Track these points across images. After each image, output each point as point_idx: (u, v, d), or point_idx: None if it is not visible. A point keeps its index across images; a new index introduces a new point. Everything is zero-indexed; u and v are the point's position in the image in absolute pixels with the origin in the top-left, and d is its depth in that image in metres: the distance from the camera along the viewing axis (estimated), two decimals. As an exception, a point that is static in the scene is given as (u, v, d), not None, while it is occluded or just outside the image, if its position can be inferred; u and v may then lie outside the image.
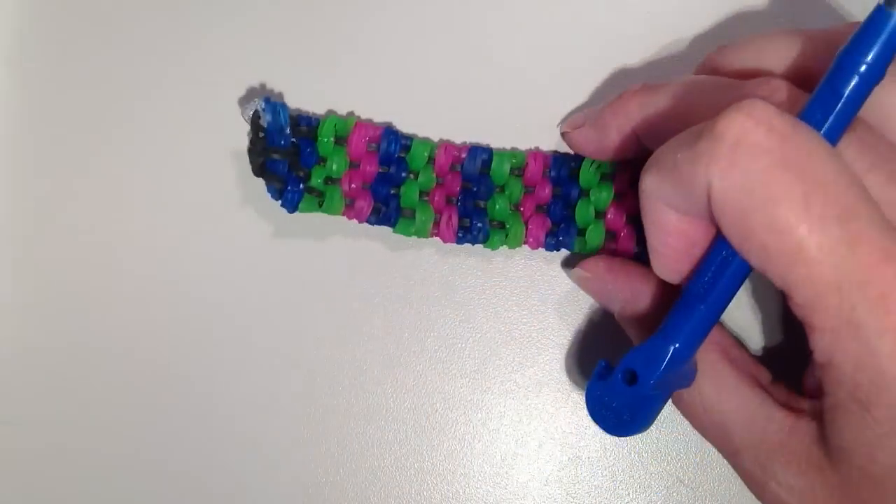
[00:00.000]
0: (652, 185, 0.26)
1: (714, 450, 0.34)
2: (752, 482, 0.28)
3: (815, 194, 0.23)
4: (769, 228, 0.23)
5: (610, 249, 0.33)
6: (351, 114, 0.35)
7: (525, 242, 0.33)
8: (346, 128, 0.33)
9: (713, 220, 0.25)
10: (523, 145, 0.35)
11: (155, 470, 0.34)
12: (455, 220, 0.33)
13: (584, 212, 0.33)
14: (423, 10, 0.36)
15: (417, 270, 0.35)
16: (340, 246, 0.35)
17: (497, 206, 0.33)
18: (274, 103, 0.33)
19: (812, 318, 0.24)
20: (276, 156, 0.32)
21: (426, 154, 0.33)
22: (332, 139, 0.33)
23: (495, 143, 0.35)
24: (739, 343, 0.32)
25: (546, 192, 0.34)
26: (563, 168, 0.34)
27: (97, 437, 0.34)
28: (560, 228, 0.33)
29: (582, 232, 0.33)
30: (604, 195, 0.33)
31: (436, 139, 0.34)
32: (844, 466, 0.25)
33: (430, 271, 0.35)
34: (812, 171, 0.23)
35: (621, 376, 0.27)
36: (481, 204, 0.34)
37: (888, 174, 0.25)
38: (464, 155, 0.34)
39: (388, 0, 0.36)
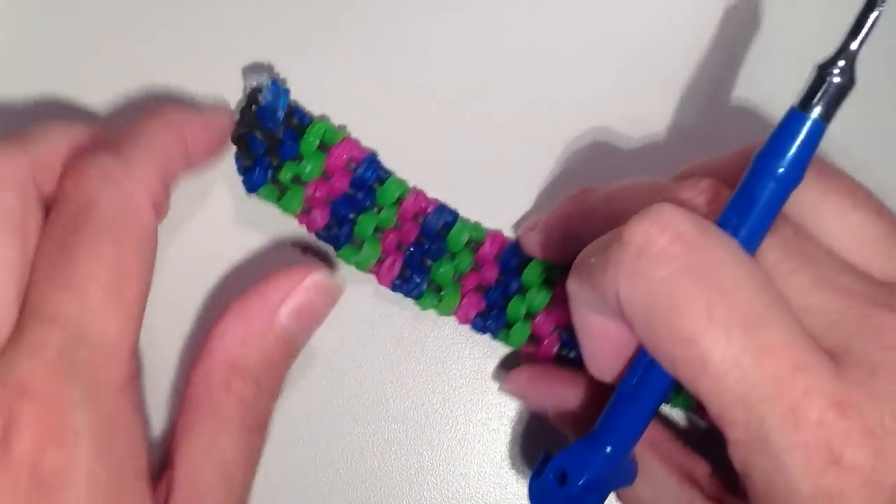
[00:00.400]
0: (574, 289, 0.26)
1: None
2: None
3: (719, 302, 0.22)
4: (673, 339, 0.23)
5: (530, 352, 0.33)
6: (343, 127, 0.35)
7: (455, 314, 0.34)
8: (333, 138, 0.33)
9: None
10: (494, 219, 0.35)
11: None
12: (398, 267, 0.33)
13: (515, 308, 0.33)
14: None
15: (417, 270, 0.35)
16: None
17: (441, 270, 0.33)
18: (278, 85, 0.33)
19: (724, 430, 0.23)
20: (258, 134, 0.32)
21: (397, 194, 0.33)
22: (316, 142, 0.33)
23: (468, 208, 0.35)
24: (673, 436, 0.30)
25: (491, 274, 0.34)
26: (515, 259, 0.34)
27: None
28: (491, 314, 0.33)
29: (509, 325, 0.33)
30: (539, 298, 0.33)
31: (413, 181, 0.34)
32: None
33: (430, 271, 0.35)
34: (717, 278, 0.22)
35: (552, 476, 0.26)
36: (427, 262, 0.34)
37: (812, 277, 0.24)
38: (430, 209, 0.34)
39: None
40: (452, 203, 0.35)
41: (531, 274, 0.33)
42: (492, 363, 0.35)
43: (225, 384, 0.29)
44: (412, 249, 0.34)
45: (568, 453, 0.26)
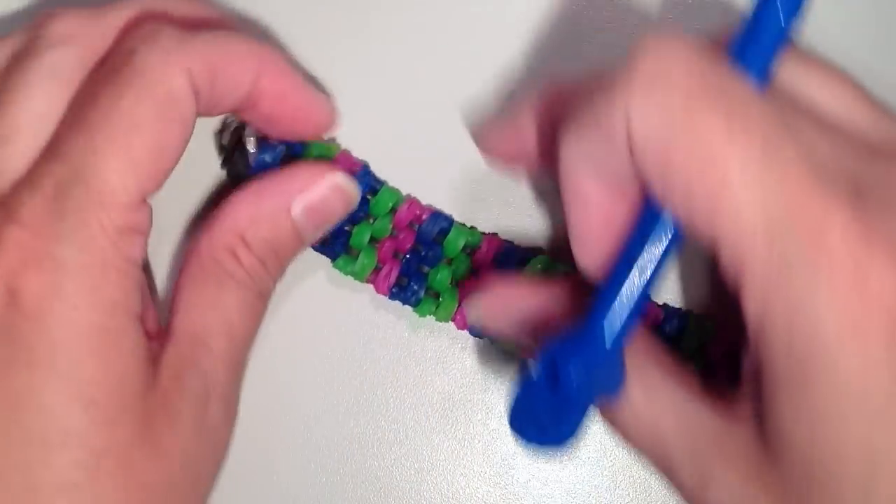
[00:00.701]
0: (570, 145, 0.25)
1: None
2: (692, 497, 0.25)
3: (738, 125, 0.21)
4: (691, 163, 0.22)
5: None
6: (333, 140, 0.34)
7: (452, 320, 0.33)
8: (328, 152, 0.33)
9: (635, 181, 0.24)
10: (489, 224, 0.35)
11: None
12: (394, 275, 0.33)
13: None
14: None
15: (417, 270, 0.35)
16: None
17: (438, 277, 0.33)
18: (275, 145, 0.32)
19: (742, 275, 0.22)
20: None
21: (391, 203, 0.33)
22: (313, 154, 0.33)
23: (462, 213, 0.35)
24: (667, 348, 0.29)
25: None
26: (512, 260, 0.33)
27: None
28: None
29: None
30: None
31: (407, 190, 0.34)
32: (785, 460, 0.23)
33: (431, 271, 0.35)
34: (733, 103, 0.22)
35: (543, 372, 0.24)
36: (424, 269, 0.33)
37: (817, 125, 0.24)
38: (425, 216, 0.34)
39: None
40: (447, 209, 0.35)
41: (529, 273, 0.33)
42: (492, 363, 0.35)
43: (232, 251, 0.29)
44: (408, 257, 0.33)
45: (559, 345, 0.24)
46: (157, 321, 0.29)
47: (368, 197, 0.33)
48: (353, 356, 0.35)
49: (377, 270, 0.33)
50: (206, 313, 0.28)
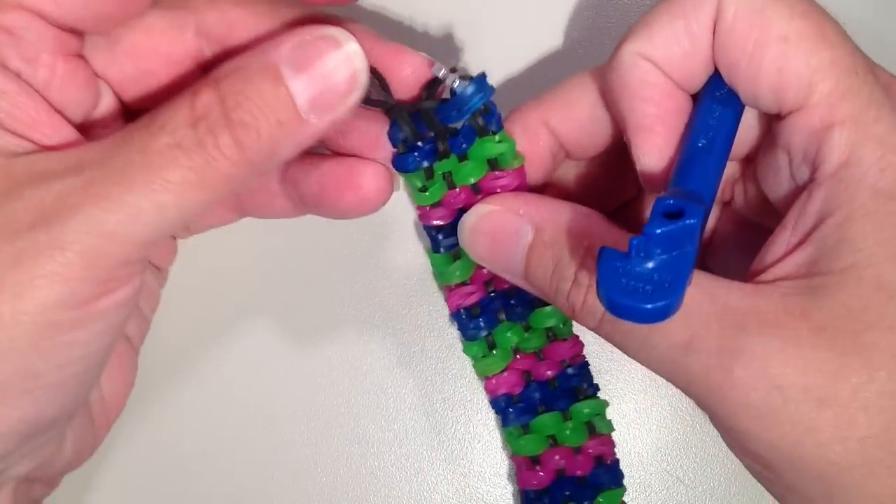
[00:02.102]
0: (639, 42, 0.26)
1: (714, 450, 0.34)
2: (715, 373, 0.24)
3: None
4: (791, 15, 0.24)
5: (519, 464, 0.33)
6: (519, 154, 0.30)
7: (486, 378, 0.32)
8: (509, 159, 0.30)
9: (701, 71, 0.26)
10: None
11: (152, 468, 0.34)
12: (472, 300, 0.31)
13: (542, 423, 0.32)
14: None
15: (417, 272, 0.35)
16: (341, 248, 0.35)
17: (507, 334, 0.31)
18: (486, 83, 0.29)
19: (834, 112, 0.24)
20: (430, 117, 0.29)
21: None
22: (492, 155, 0.30)
23: None
24: None
25: (547, 373, 0.32)
26: (577, 379, 0.32)
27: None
28: (518, 405, 0.32)
29: (525, 431, 0.32)
30: (571, 435, 0.32)
31: None
32: (846, 292, 0.23)
33: (430, 271, 0.35)
34: None
35: (660, 216, 0.23)
36: (501, 317, 0.32)
37: None
38: None
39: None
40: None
41: (581, 409, 0.32)
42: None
43: (193, 92, 0.25)
44: (494, 295, 0.32)
45: (671, 198, 0.24)
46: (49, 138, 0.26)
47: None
48: (353, 356, 0.35)
49: (460, 285, 0.31)
50: (113, 144, 0.24)
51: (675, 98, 0.27)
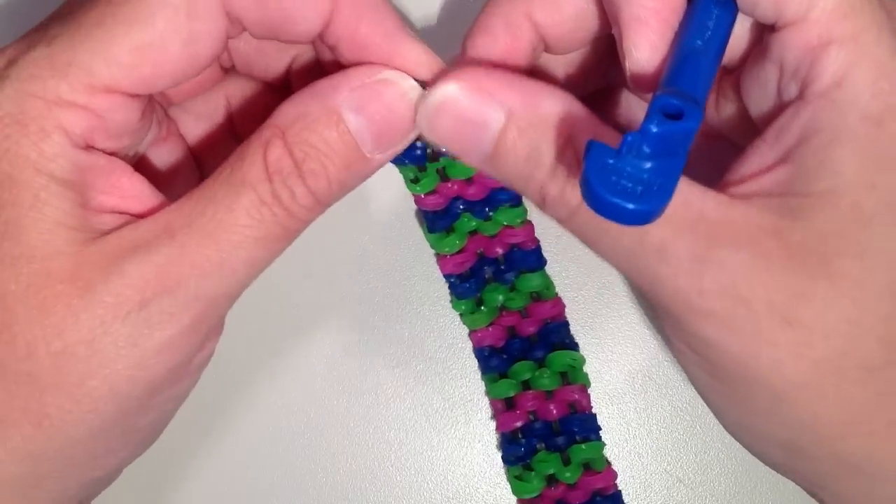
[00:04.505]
0: None
1: (714, 450, 0.34)
2: (684, 279, 0.24)
3: None
4: None
5: (498, 409, 0.34)
6: None
7: (472, 331, 0.34)
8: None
9: None
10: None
11: (152, 467, 0.34)
12: (465, 267, 0.33)
13: (521, 369, 0.33)
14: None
15: (417, 271, 0.35)
16: (342, 246, 0.35)
17: (493, 294, 0.33)
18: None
19: (833, 29, 0.23)
20: None
21: (518, 220, 0.33)
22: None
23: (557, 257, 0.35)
24: None
25: (528, 329, 0.34)
26: (557, 336, 0.34)
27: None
28: (500, 355, 0.34)
29: (503, 376, 0.34)
30: (544, 380, 0.33)
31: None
32: (822, 216, 0.23)
33: (430, 271, 0.35)
34: None
35: (660, 114, 0.22)
36: (488, 276, 0.34)
37: None
38: (529, 246, 0.33)
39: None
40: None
41: (557, 359, 0.33)
42: (492, 363, 0.35)
43: (263, 144, 0.25)
44: (486, 262, 0.34)
45: (666, 96, 0.23)
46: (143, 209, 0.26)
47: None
48: (353, 356, 0.35)
49: (456, 253, 0.33)
50: (196, 205, 0.25)
51: None
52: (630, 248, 0.24)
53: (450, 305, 0.34)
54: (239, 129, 0.31)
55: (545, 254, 0.34)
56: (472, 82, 0.25)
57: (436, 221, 0.33)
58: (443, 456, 0.35)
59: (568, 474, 0.33)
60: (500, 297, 0.33)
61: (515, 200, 0.33)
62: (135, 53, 0.24)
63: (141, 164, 0.29)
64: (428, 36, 0.36)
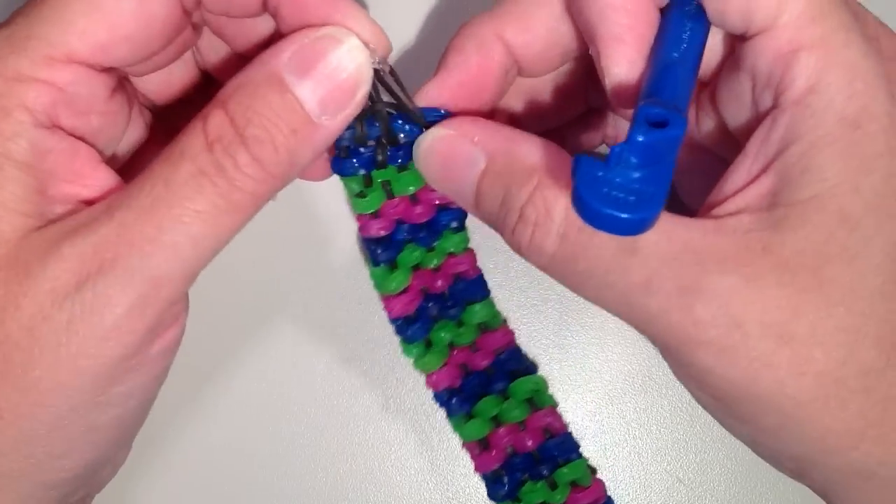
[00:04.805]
0: None
1: (714, 450, 0.34)
2: (675, 312, 0.23)
3: None
4: None
5: (471, 450, 0.33)
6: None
7: (427, 376, 0.33)
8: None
9: None
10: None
11: (150, 468, 0.34)
12: (412, 308, 0.32)
13: (487, 406, 0.32)
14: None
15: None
16: (342, 246, 0.35)
17: (441, 333, 0.32)
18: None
19: (802, 34, 0.23)
20: (381, 122, 0.28)
21: (461, 247, 0.32)
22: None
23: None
24: None
25: (482, 363, 0.33)
26: (513, 363, 0.33)
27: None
28: (459, 396, 0.33)
29: (469, 417, 0.33)
30: (514, 412, 0.32)
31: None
32: (809, 225, 0.23)
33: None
34: None
35: (645, 124, 0.22)
36: (434, 315, 0.32)
37: None
38: (471, 274, 0.33)
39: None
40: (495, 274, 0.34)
41: (520, 387, 0.33)
42: (492, 363, 0.35)
43: (203, 116, 0.24)
44: (430, 300, 0.32)
45: (650, 107, 0.23)
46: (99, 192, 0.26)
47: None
48: (353, 356, 0.35)
49: (400, 293, 0.32)
50: (137, 182, 0.24)
51: (647, 9, 0.25)
52: (618, 289, 0.24)
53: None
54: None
55: (522, 267, 0.34)
56: (458, 127, 0.26)
57: (379, 253, 0.32)
58: (443, 456, 0.35)
59: (558, 497, 0.32)
60: (448, 335, 0.32)
61: (460, 223, 0.32)
62: (88, 17, 0.24)
63: (133, 166, 0.29)
64: (412, 52, 0.36)
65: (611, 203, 0.21)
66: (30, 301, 0.23)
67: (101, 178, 0.25)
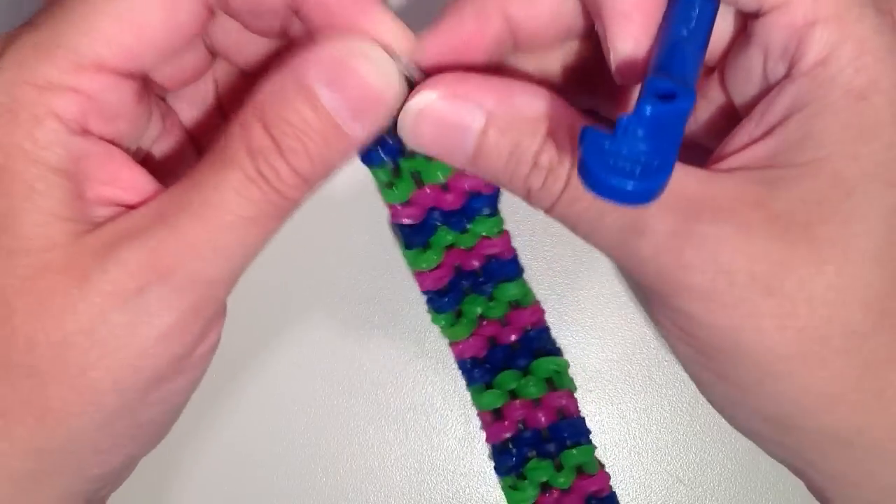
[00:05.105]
0: None
1: (714, 450, 0.34)
2: (665, 255, 0.24)
3: None
4: None
5: (487, 422, 0.34)
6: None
7: (453, 344, 0.33)
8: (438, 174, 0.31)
9: None
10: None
11: (149, 468, 0.35)
12: (443, 283, 0.33)
13: (505, 379, 0.33)
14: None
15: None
16: (342, 247, 0.35)
17: (471, 306, 0.33)
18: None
19: (817, 9, 0.24)
20: None
21: (496, 229, 0.33)
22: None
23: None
24: None
25: (510, 338, 0.33)
26: (539, 342, 0.34)
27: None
28: (483, 366, 0.33)
29: (487, 388, 0.33)
30: (531, 388, 0.33)
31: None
32: (804, 185, 0.23)
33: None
34: None
35: (654, 96, 0.22)
36: (465, 287, 0.33)
37: None
38: (506, 256, 0.33)
39: None
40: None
41: (541, 366, 0.33)
42: (492, 363, 0.35)
43: (242, 125, 0.25)
44: (464, 275, 0.33)
45: (657, 80, 0.23)
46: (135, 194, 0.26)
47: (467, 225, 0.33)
48: (354, 356, 0.35)
49: (434, 269, 0.33)
50: (188, 190, 0.25)
51: None
52: (612, 230, 0.25)
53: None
54: (228, 113, 0.31)
55: (535, 260, 0.34)
56: (448, 88, 0.26)
57: (412, 237, 0.32)
58: (443, 456, 0.35)
59: (562, 479, 0.32)
60: (479, 308, 0.33)
61: (492, 209, 0.32)
62: (116, 24, 0.24)
63: (148, 159, 0.29)
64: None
65: (617, 173, 0.22)
66: (88, 304, 0.24)
67: (136, 179, 0.26)
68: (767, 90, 0.25)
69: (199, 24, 0.26)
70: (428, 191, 0.31)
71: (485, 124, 0.26)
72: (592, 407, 0.35)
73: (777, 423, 0.25)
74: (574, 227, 0.26)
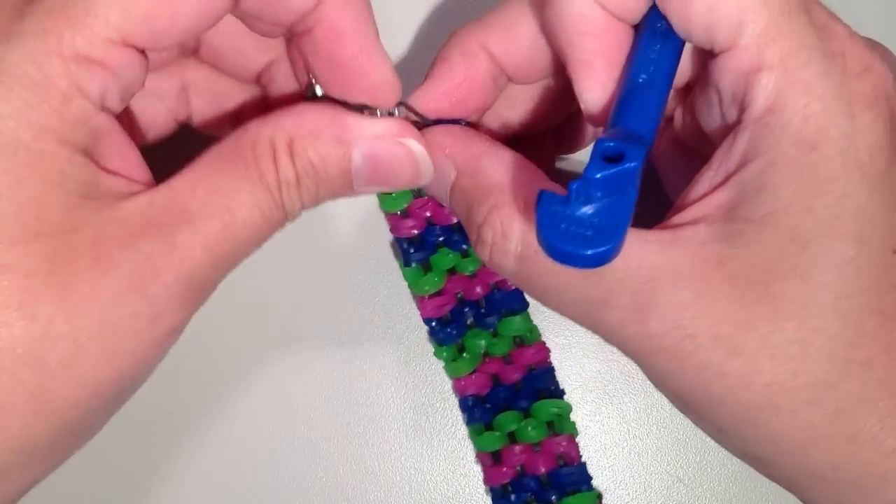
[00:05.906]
0: None
1: (714, 450, 0.34)
2: (630, 326, 0.24)
3: None
4: None
5: (484, 461, 0.34)
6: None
7: (455, 379, 0.33)
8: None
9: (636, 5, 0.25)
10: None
11: (148, 468, 0.35)
12: (445, 310, 0.33)
13: (506, 420, 0.33)
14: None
15: (417, 270, 0.35)
16: (343, 247, 0.35)
17: (475, 340, 0.33)
18: None
19: (762, 54, 0.23)
20: None
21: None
22: None
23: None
24: None
25: (513, 377, 0.33)
26: (541, 383, 0.33)
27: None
28: (484, 405, 0.33)
29: (488, 429, 0.33)
30: (532, 432, 0.33)
31: None
32: (761, 241, 0.24)
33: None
34: None
35: (597, 164, 0.23)
36: (470, 322, 0.33)
37: None
38: (508, 289, 0.33)
39: None
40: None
41: (542, 409, 0.33)
42: (492, 363, 0.35)
43: (273, 147, 0.26)
44: (467, 305, 0.33)
45: (610, 139, 0.23)
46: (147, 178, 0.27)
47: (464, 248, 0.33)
48: (354, 356, 0.35)
49: (433, 296, 0.33)
50: (212, 192, 0.25)
51: (616, 31, 0.26)
52: (577, 303, 0.25)
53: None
54: (196, 114, 0.31)
55: None
56: (433, 138, 0.28)
57: (411, 253, 0.33)
58: (443, 456, 0.35)
59: None
60: (483, 343, 0.33)
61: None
62: (154, 3, 0.24)
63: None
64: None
65: (569, 239, 0.22)
66: (111, 293, 0.24)
67: (131, 154, 0.26)
68: (727, 128, 0.25)
69: (227, 8, 0.25)
70: (425, 200, 0.32)
71: (454, 181, 0.28)
72: (592, 407, 0.35)
73: (760, 461, 0.26)
74: (538, 299, 0.27)
